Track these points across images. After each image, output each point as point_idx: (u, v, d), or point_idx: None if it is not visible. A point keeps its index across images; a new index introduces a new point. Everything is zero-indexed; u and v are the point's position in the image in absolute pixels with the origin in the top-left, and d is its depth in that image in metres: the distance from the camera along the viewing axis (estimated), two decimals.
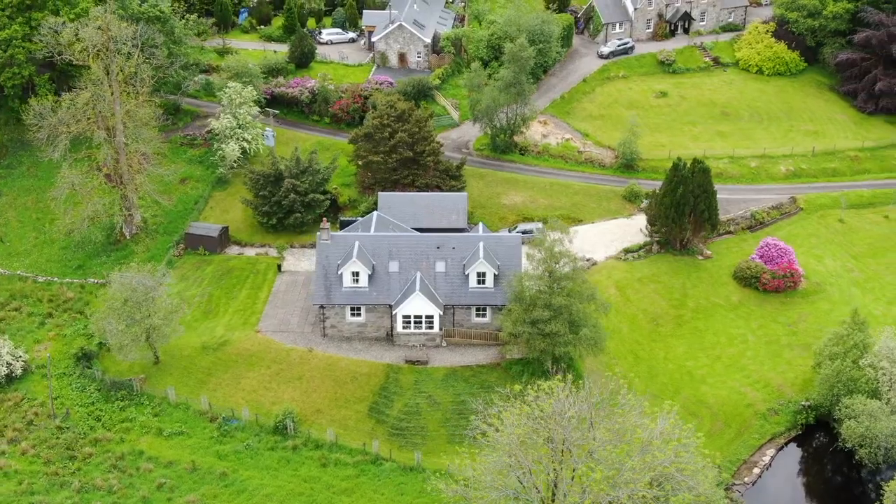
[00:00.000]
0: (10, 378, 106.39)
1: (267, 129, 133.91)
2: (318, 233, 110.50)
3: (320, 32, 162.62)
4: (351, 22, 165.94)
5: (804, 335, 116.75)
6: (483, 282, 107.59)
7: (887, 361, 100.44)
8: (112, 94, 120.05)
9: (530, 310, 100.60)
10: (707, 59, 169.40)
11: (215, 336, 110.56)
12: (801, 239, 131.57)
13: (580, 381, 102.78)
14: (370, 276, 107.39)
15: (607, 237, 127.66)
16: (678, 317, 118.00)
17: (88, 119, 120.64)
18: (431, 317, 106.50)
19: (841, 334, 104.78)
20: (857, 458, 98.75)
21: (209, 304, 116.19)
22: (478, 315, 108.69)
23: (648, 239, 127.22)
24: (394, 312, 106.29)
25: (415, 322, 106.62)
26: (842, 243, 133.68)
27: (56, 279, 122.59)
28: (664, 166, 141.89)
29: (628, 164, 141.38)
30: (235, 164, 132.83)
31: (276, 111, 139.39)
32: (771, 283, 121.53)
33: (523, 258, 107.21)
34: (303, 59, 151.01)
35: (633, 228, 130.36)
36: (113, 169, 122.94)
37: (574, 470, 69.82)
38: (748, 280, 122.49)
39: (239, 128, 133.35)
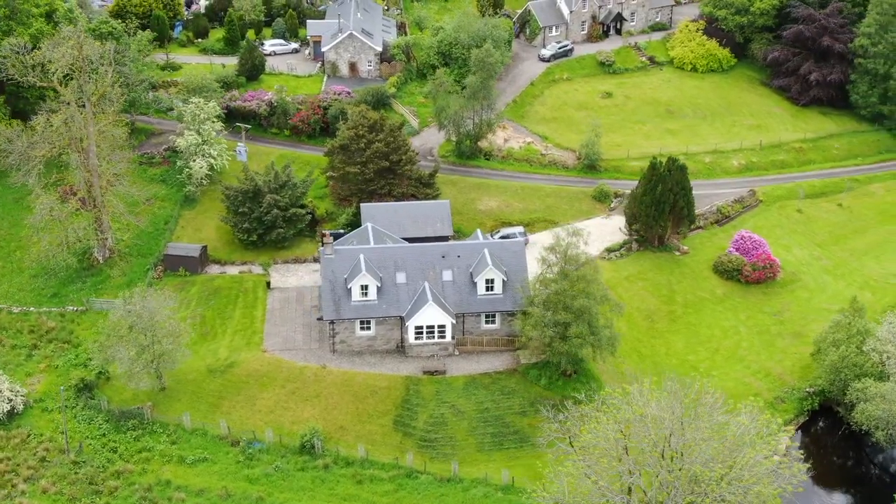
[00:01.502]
0: (12, 414, 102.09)
1: (239, 144, 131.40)
2: (320, 248, 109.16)
3: (262, 44, 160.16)
4: (291, 32, 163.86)
5: (791, 324, 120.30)
6: (491, 288, 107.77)
7: (893, 345, 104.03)
8: (85, 115, 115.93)
9: (551, 313, 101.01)
10: (643, 59, 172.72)
11: (220, 358, 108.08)
12: (767, 230, 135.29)
13: (593, 383, 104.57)
14: (378, 289, 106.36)
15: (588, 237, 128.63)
16: (670, 312, 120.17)
17: (61, 142, 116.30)
18: (444, 326, 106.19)
19: (842, 321, 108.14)
20: (873, 439, 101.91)
21: (204, 326, 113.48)
22: (487, 322, 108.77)
23: (627, 237, 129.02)
24: (406, 324, 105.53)
25: (427, 332, 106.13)
26: (804, 232, 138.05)
27: (32, 309, 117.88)
28: (625, 166, 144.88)
29: (591, 165, 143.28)
30: (205, 182, 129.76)
31: (249, 126, 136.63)
32: (752, 275, 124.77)
33: (527, 262, 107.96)
34: (253, 71, 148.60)
35: (609, 228, 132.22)
36: (87, 191, 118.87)
37: (679, 469, 70.53)
38: (730, 273, 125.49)
39: (204, 144, 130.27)
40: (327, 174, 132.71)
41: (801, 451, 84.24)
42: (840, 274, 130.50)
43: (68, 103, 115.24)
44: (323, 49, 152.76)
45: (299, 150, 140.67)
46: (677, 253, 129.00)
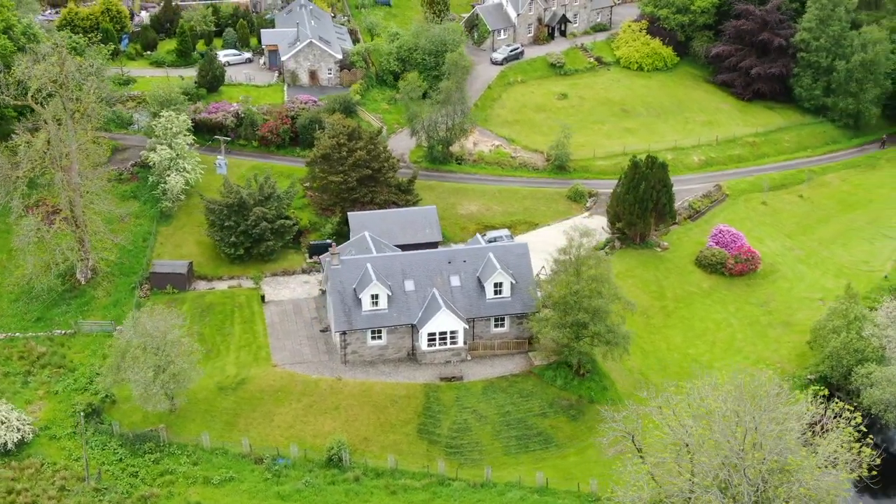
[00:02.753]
0: (21, 444, 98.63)
1: (219, 157, 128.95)
2: (327, 259, 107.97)
3: (216, 55, 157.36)
4: (243, 42, 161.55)
5: (778, 314, 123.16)
6: (500, 292, 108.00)
7: (893, 330, 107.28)
8: (66, 132, 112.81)
9: (568, 313, 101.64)
10: (591, 60, 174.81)
11: (229, 375, 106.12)
12: (738, 224, 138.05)
13: (606, 382, 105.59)
14: (389, 298, 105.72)
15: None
16: (663, 308, 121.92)
17: (44, 160, 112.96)
18: (456, 332, 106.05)
19: (839, 308, 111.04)
20: (882, 421, 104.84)
21: (204, 344, 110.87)
22: (496, 326, 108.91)
23: (609, 236, 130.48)
24: (420, 331, 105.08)
25: (440, 339, 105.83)
26: (772, 224, 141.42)
27: (18, 334, 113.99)
28: (592, 165, 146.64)
29: (561, 166, 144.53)
30: (182, 197, 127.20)
31: (229, 138, 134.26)
32: (736, 268, 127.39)
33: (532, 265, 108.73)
34: (214, 83, 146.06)
35: (590, 227, 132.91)
36: (70, 211, 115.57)
37: (764, 460, 71.56)
38: (714, 267, 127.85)
39: (178, 158, 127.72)
40: (304, 185, 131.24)
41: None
42: (813, 263, 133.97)
43: (49, 121, 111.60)
44: (282, 58, 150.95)
45: (270, 161, 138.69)
46: (658, 249, 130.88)
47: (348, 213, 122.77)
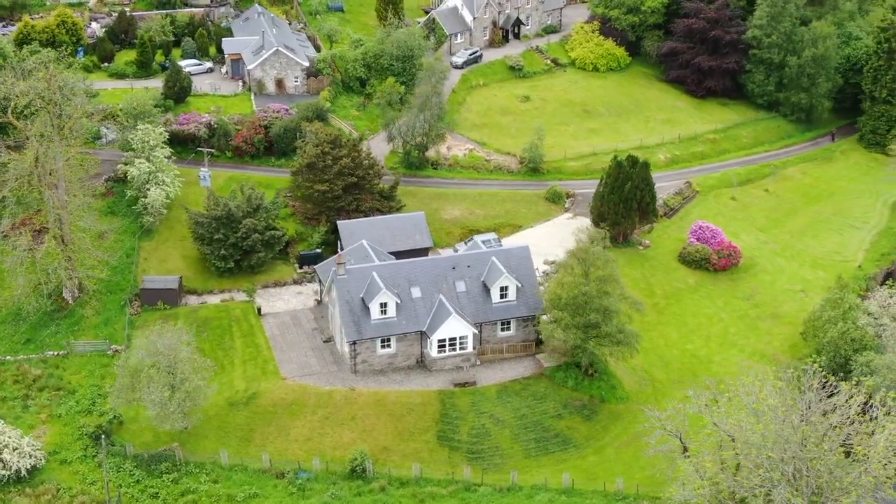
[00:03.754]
0: (33, 470, 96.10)
1: (202, 169, 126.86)
2: (332, 269, 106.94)
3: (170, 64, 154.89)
4: (202, 51, 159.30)
5: (765, 307, 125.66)
6: (506, 295, 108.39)
7: (888, 318, 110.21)
8: (54, 148, 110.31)
9: (580, 314, 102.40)
10: (548, 62, 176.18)
11: (238, 390, 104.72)
12: (711, 219, 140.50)
13: (614, 381, 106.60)
14: (397, 305, 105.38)
15: (555, 238, 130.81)
16: (655, 305, 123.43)
17: (32, 178, 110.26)
18: (465, 337, 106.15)
19: (833, 299, 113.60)
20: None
21: (206, 359, 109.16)
22: (503, 329, 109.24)
23: None
24: (430, 338, 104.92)
25: (450, 345, 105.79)
26: (744, 219, 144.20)
27: (9, 357, 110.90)
28: (564, 166, 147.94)
29: (535, 168, 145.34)
30: (164, 211, 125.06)
31: (212, 150, 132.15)
32: (720, 263, 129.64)
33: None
34: (181, 93, 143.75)
35: (573, 227, 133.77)
36: (58, 229, 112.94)
37: (829, 451, 72.78)
38: (698, 262, 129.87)
39: (158, 172, 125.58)
40: (283, 195, 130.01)
41: None
42: (789, 256, 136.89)
43: (36, 137, 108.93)
44: (248, 66, 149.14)
45: (246, 172, 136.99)
46: (641, 248, 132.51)
47: (338, 222, 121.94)
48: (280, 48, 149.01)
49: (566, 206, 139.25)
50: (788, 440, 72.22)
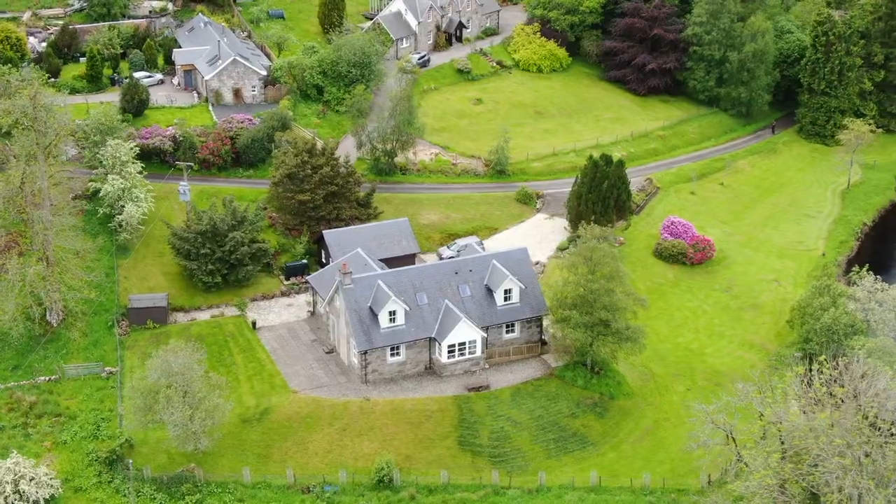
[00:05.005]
0: (51, 500, 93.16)
1: (182, 183, 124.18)
2: (338, 279, 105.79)
3: (127, 77, 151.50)
4: (151, 63, 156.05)
5: (744, 297, 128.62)
6: (509, 298, 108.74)
7: (875, 303, 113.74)
8: (39, 167, 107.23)
9: (589, 312, 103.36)
10: (493, 64, 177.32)
11: (249, 406, 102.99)
12: (675, 214, 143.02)
13: (618, 377, 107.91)
14: (406, 313, 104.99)
15: (533, 239, 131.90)
16: None
17: (17, 199, 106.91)
18: (474, 341, 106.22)
19: (821, 287, 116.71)
20: None
21: (220, 376, 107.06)
22: (507, 332, 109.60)
23: (571, 235, 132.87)
24: (441, 343, 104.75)
25: (459, 349, 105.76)
26: (706, 213, 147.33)
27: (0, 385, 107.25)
28: (529, 168, 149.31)
29: (501, 171, 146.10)
30: (142, 227, 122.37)
31: (191, 163, 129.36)
32: (696, 257, 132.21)
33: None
34: (140, 107, 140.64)
35: (549, 227, 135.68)
36: (43, 250, 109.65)
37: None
38: (675, 257, 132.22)
39: (133, 188, 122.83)
40: (260, 206, 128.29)
41: None
42: (755, 247, 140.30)
43: (23, 156, 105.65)
44: (206, 77, 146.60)
45: (215, 184, 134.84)
46: (616, 244, 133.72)
47: (324, 232, 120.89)
48: (237, 57, 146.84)
49: (537, 206, 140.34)
50: (855, 426, 73.54)
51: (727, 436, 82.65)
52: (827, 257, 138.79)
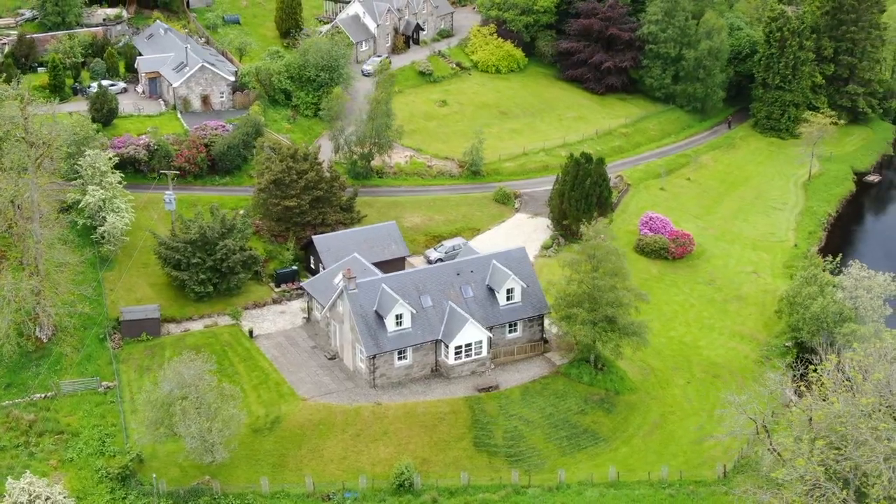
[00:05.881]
0: None
1: (167, 192, 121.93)
2: (343, 284, 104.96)
3: (89, 86, 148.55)
4: (112, 71, 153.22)
5: (727, 290, 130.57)
6: (512, 298, 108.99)
7: (863, 290, 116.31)
8: (30, 179, 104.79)
9: (595, 308, 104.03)
10: (453, 66, 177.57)
11: (259, 416, 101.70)
12: (650, 210, 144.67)
13: (620, 373, 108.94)
14: (412, 316, 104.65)
15: (517, 239, 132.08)
16: None
17: (8, 212, 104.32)
18: (480, 342, 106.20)
19: (808, 276, 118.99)
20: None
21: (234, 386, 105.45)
22: (510, 331, 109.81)
23: (553, 233, 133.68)
24: (448, 345, 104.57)
25: (465, 351, 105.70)
26: (678, 208, 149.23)
27: None
28: (502, 168, 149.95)
29: (476, 171, 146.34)
30: (127, 238, 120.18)
31: (177, 171, 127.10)
32: (678, 251, 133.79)
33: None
34: (109, 116, 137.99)
35: (532, 226, 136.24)
36: (34, 264, 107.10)
37: None
38: (657, 252, 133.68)
39: (114, 198, 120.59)
40: (239, 212, 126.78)
41: None
42: (730, 240, 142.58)
43: (16, 168, 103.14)
44: (174, 84, 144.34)
45: (193, 192, 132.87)
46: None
47: (313, 237, 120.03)
48: (205, 64, 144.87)
49: (516, 206, 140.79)
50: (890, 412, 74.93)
51: (760, 426, 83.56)
52: (799, 248, 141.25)
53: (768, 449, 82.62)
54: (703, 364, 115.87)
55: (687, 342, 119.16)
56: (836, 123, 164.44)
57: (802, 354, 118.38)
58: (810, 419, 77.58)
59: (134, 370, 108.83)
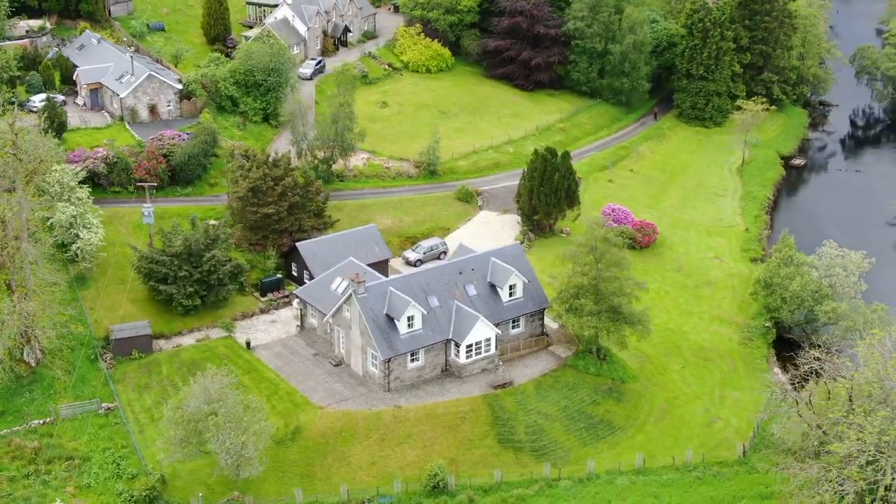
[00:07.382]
0: None
1: (145, 206, 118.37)
2: (353, 288, 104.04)
3: (29, 100, 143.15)
4: (49, 84, 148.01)
5: (696, 275, 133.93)
6: (514, 294, 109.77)
7: (840, 268, 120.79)
8: (20, 197, 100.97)
9: (603, 300, 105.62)
10: (385, 67, 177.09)
11: (278, 427, 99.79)
12: (606, 200, 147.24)
13: (621, 362, 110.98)
14: (423, 317, 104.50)
15: (489, 236, 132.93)
16: None
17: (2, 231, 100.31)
18: (489, 339, 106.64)
19: (783, 258, 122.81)
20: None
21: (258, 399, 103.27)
22: (513, 327, 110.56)
23: (523, 228, 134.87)
24: (459, 344, 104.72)
25: (476, 349, 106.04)
26: (629, 199, 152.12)
27: None
28: (456, 167, 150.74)
29: (432, 171, 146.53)
30: (104, 255, 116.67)
31: (154, 184, 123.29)
32: (644, 240, 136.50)
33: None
34: (59, 130, 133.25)
35: (500, 223, 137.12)
36: (23, 285, 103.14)
37: None
38: (624, 242, 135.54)
39: (87, 214, 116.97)
40: (213, 223, 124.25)
41: None
42: (684, 227, 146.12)
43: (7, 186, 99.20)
44: (121, 95, 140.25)
45: (158, 204, 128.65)
46: (564, 235, 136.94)
47: (298, 244, 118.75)
48: (153, 72, 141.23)
49: (479, 204, 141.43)
50: None
51: (804, 404, 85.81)
52: (751, 232, 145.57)
53: (809, 424, 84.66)
54: (692, 349, 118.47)
55: (672, 328, 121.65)
56: (767, 110, 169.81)
57: (780, 334, 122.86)
58: (850, 397, 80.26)
59: (132, 389, 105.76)
